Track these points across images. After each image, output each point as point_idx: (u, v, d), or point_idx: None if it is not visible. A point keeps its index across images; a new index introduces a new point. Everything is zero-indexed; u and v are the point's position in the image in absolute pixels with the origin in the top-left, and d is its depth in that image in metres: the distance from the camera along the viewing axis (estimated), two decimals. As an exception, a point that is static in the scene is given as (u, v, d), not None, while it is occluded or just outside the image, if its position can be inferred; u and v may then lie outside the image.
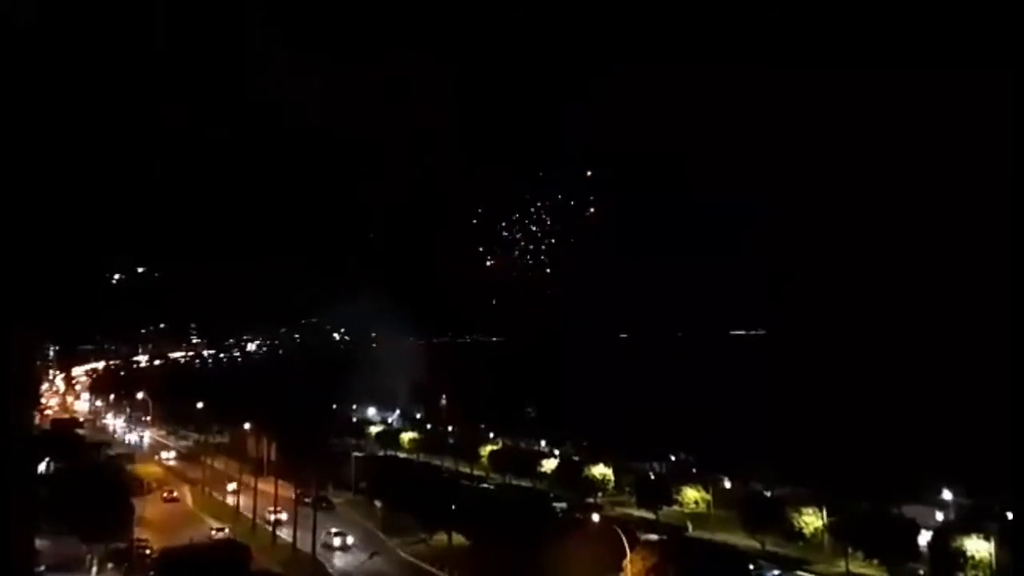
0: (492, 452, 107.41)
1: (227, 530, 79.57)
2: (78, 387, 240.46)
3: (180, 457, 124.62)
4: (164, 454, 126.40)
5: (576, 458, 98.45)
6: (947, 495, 74.43)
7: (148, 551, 68.15)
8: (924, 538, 63.11)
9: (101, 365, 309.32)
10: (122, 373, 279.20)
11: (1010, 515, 66.13)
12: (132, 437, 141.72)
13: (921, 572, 63.00)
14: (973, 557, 58.83)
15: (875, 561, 64.05)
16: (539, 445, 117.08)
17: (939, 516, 71.80)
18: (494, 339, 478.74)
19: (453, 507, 72.90)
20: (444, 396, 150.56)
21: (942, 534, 62.49)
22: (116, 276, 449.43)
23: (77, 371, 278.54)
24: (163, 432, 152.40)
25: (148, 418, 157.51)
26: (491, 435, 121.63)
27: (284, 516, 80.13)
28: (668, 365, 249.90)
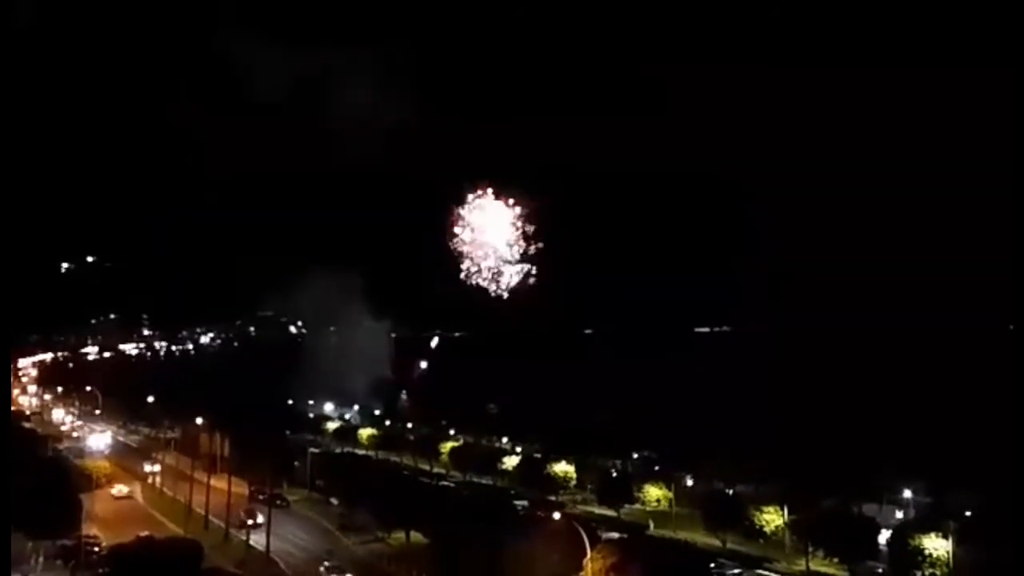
0: (453, 449, 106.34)
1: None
2: (25, 380, 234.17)
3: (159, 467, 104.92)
4: (149, 467, 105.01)
5: (538, 455, 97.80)
6: (907, 494, 75.10)
7: (97, 548, 66.09)
8: (884, 536, 63.51)
9: (49, 357, 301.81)
10: (71, 365, 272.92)
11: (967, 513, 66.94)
12: (96, 440, 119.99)
13: (880, 570, 63.37)
14: (931, 555, 59.28)
15: (835, 559, 64.27)
16: (501, 442, 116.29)
17: (899, 515, 72.49)
18: (457, 334, 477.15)
19: (412, 505, 71.74)
20: (404, 392, 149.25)
21: (901, 532, 62.92)
22: (65, 265, 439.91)
23: (24, 363, 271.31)
24: (121, 429, 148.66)
25: (98, 411, 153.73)
26: (452, 432, 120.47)
27: (260, 519, 75.20)
28: (632, 361, 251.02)
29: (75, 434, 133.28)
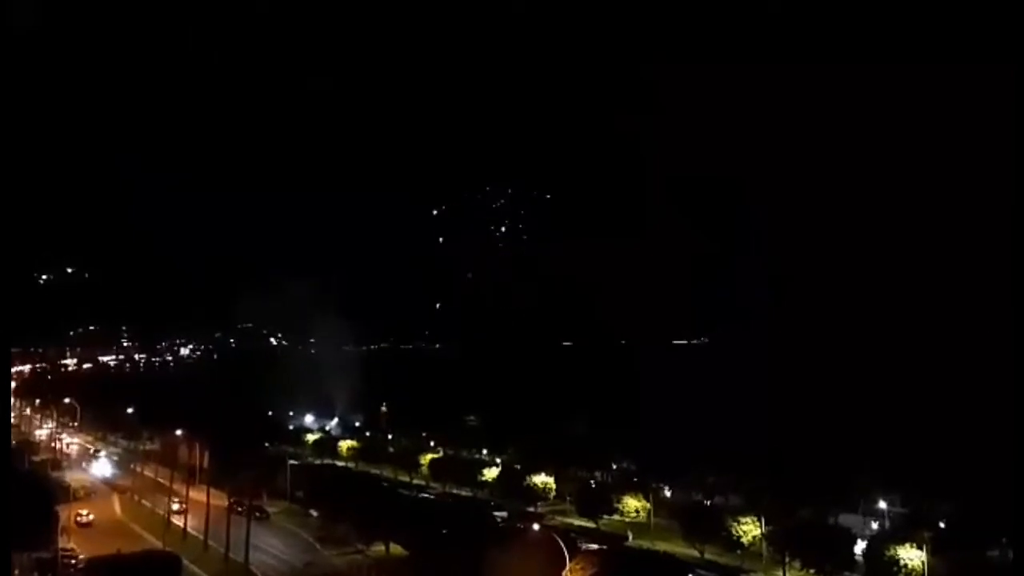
0: (432, 460, 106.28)
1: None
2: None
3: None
4: (176, 504, 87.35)
5: (518, 467, 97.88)
6: (882, 504, 75.81)
7: (74, 561, 65.74)
8: (860, 547, 64.08)
9: (27, 368, 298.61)
10: (49, 377, 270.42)
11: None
12: (99, 467, 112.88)
13: (856, 580, 63.87)
14: (906, 565, 59.89)
15: (812, 570, 64.71)
16: (481, 454, 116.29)
17: (874, 525, 73.12)
18: (437, 346, 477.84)
19: (391, 517, 71.66)
20: (384, 403, 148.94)
21: (877, 543, 63.48)
22: (44, 276, 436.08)
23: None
24: (100, 441, 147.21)
25: (76, 424, 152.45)
26: (431, 443, 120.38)
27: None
28: (611, 372, 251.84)
29: (53, 445, 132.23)
